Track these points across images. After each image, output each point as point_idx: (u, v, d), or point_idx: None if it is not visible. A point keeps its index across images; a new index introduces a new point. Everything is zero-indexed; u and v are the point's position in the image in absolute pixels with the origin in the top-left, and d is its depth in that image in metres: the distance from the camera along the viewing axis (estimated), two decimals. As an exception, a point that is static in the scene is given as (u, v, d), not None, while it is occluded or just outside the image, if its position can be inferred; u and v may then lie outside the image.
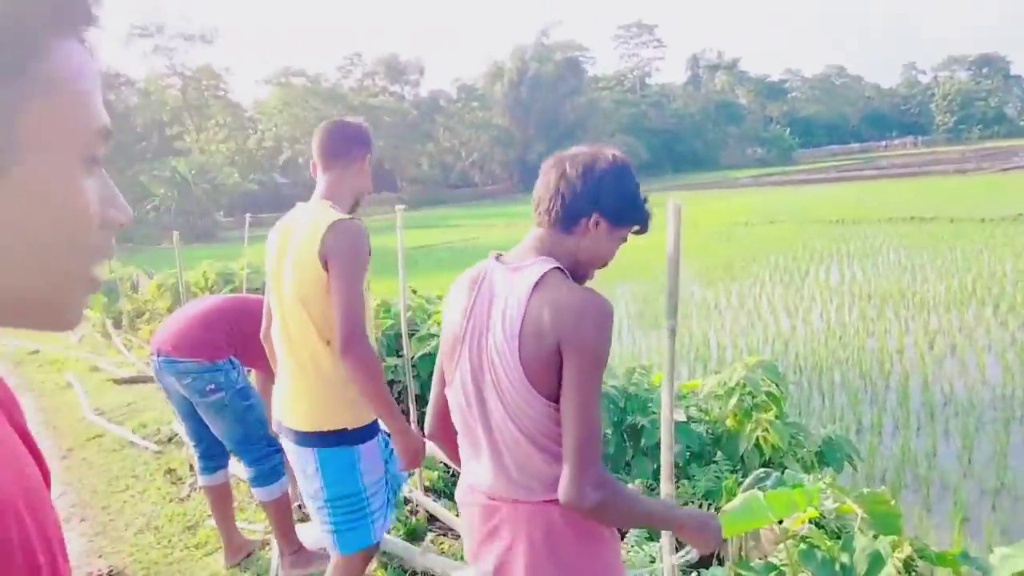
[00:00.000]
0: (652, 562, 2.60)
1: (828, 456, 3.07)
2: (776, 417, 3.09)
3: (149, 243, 25.16)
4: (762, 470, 2.80)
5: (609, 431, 3.40)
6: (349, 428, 2.08)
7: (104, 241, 0.53)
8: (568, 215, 1.43)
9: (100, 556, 3.52)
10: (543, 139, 55.05)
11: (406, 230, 3.57)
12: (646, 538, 2.78)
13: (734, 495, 2.82)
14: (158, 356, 3.01)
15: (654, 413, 3.41)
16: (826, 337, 8.36)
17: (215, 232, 33.69)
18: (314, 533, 3.43)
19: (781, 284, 11.52)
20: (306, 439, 2.11)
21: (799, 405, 6.30)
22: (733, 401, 3.18)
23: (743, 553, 2.71)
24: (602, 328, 1.32)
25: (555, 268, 1.41)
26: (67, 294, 0.52)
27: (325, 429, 2.08)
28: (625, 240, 1.51)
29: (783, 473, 2.65)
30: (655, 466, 3.32)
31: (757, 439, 3.08)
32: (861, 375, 6.98)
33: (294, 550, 3.14)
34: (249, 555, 3.34)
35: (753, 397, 3.19)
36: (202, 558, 3.43)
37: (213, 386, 2.92)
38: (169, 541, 3.62)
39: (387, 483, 2.24)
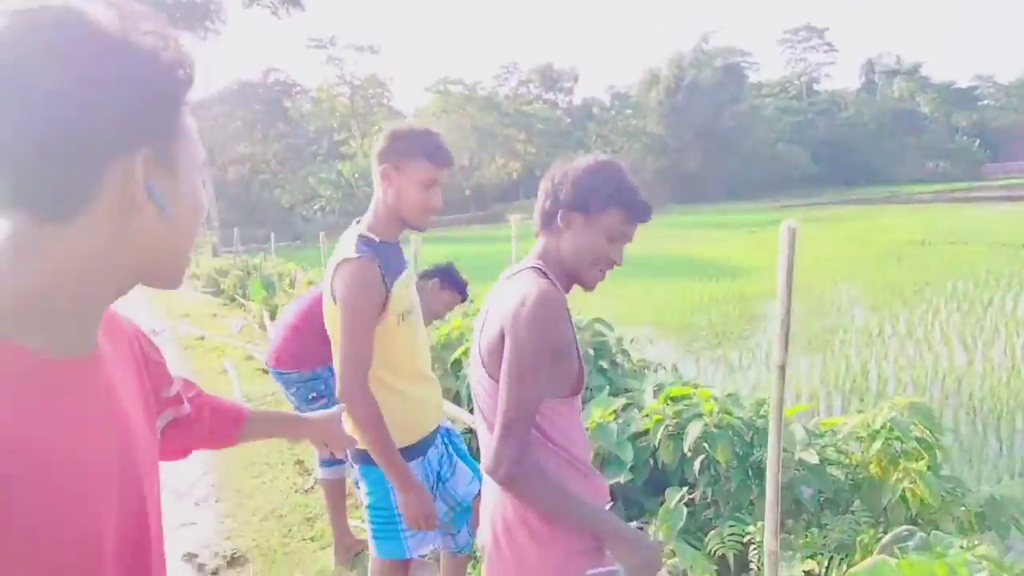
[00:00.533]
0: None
1: (990, 518, 2.64)
2: (928, 468, 2.71)
3: (315, 241, 26.90)
4: (906, 528, 2.46)
5: (734, 465, 3.14)
6: None
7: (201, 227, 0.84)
8: (543, 219, 1.55)
9: (227, 538, 3.72)
10: (699, 147, 53.50)
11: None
12: None
13: (870, 552, 2.49)
14: (269, 367, 3.15)
15: (785, 451, 3.10)
16: (1009, 376, 7.38)
17: (373, 233, 35.59)
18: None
19: (959, 312, 10.37)
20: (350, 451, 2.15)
21: (970, 451, 5.59)
22: (876, 445, 2.83)
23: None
24: (537, 314, 1.38)
25: (532, 268, 1.51)
26: (187, 260, 0.81)
27: (360, 446, 2.05)
28: (623, 235, 1.52)
29: (930, 534, 2.30)
30: (783, 508, 3.02)
31: (903, 491, 2.71)
32: (1050, 422, 6.09)
33: None
34: (357, 555, 3.38)
35: (901, 443, 2.82)
36: (315, 551, 3.53)
37: (315, 394, 3.02)
38: (289, 531, 3.76)
39: (441, 500, 2.19)
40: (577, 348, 1.50)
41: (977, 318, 9.92)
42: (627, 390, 4.09)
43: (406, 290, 2.09)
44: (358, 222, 2.09)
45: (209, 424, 1.19)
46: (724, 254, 19.63)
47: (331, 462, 3.35)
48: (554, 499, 1.41)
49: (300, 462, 4.63)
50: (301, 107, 49.47)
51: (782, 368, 1.58)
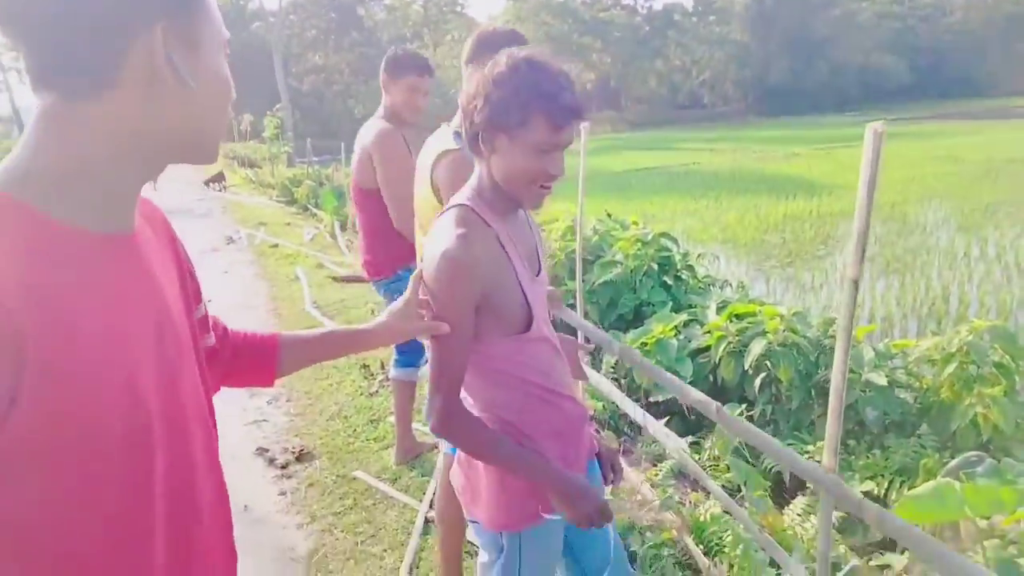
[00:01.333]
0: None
1: (1069, 449, 2.51)
2: (1004, 394, 2.58)
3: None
4: (974, 453, 2.37)
5: (796, 384, 3.07)
6: None
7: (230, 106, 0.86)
8: (469, 144, 1.43)
9: (296, 435, 3.91)
10: (786, 56, 50.50)
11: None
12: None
13: (933, 476, 2.42)
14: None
15: (852, 372, 3.00)
16: (1105, 304, 6.94)
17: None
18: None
19: (1057, 237, 9.70)
20: None
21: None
22: (950, 368, 2.70)
23: (935, 545, 2.33)
24: (439, 270, 1.35)
25: (455, 207, 1.43)
26: (219, 136, 0.85)
27: None
28: (555, 144, 1.34)
29: (1000, 461, 2.20)
30: (845, 429, 2.95)
31: (975, 416, 2.60)
32: None
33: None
34: (417, 456, 3.51)
35: (978, 367, 2.68)
36: (378, 451, 3.68)
37: (399, 295, 3.10)
38: (354, 431, 3.92)
39: None
40: (521, 286, 1.42)
41: (1078, 243, 9.27)
42: (691, 306, 4.02)
43: None
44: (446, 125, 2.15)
45: (235, 361, 1.15)
46: (803, 171, 18.78)
47: (406, 363, 3.43)
48: (485, 449, 1.42)
49: (365, 366, 4.78)
50: (375, 15, 48.80)
51: (855, 282, 1.48)
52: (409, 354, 3.41)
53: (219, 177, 17.00)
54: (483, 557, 1.57)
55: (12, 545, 0.71)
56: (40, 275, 0.68)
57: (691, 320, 3.72)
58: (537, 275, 1.52)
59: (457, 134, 2.03)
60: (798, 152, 23.64)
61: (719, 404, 1.77)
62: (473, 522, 1.56)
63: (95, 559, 0.78)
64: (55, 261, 0.71)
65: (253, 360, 1.18)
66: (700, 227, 11.78)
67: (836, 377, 1.57)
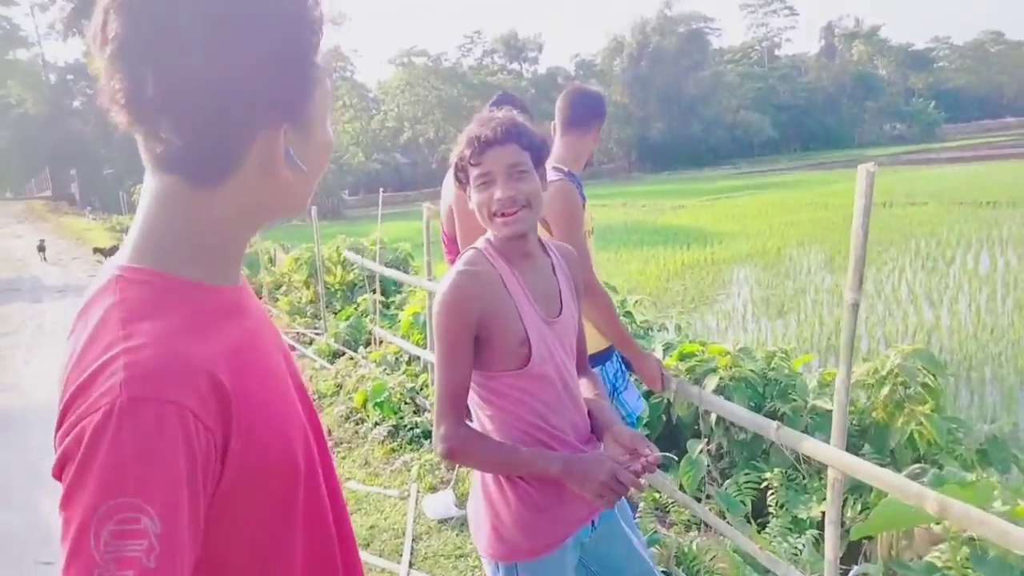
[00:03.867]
0: (797, 554, 2.50)
1: (993, 455, 2.84)
2: (932, 411, 2.89)
3: (282, 219, 26.46)
4: (916, 466, 2.64)
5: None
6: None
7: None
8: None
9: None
10: (663, 116, 53.72)
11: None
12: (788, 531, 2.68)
13: (884, 493, 2.68)
14: None
15: (795, 400, 3.27)
16: (976, 329, 7.76)
17: (340, 210, 35.15)
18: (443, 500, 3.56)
19: (923, 271, 10.77)
20: None
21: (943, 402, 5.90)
22: (885, 391, 3.01)
23: (893, 552, 2.57)
24: (440, 305, 1.50)
25: (469, 249, 1.59)
26: (312, 190, 0.89)
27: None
28: (483, 176, 1.51)
29: (942, 470, 2.48)
30: (796, 456, 3.20)
31: (911, 433, 2.90)
32: (1017, 371, 6.44)
33: None
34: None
35: (906, 388, 3.00)
36: (342, 516, 3.62)
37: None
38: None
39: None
40: (523, 323, 1.50)
41: (941, 276, 10.32)
42: (633, 351, 4.23)
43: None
44: None
45: None
46: (691, 221, 19.93)
47: None
48: (495, 461, 1.52)
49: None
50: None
51: (855, 305, 1.71)
52: None
53: (113, 250, 16.18)
54: None
55: None
56: (222, 339, 0.75)
57: (637, 364, 3.92)
58: (558, 316, 1.57)
59: (555, 168, 2.31)
60: (684, 204, 25.06)
61: (779, 423, 1.94)
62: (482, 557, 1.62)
63: None
64: (222, 323, 0.77)
65: None
66: (604, 278, 12.25)
67: (840, 391, 1.77)
